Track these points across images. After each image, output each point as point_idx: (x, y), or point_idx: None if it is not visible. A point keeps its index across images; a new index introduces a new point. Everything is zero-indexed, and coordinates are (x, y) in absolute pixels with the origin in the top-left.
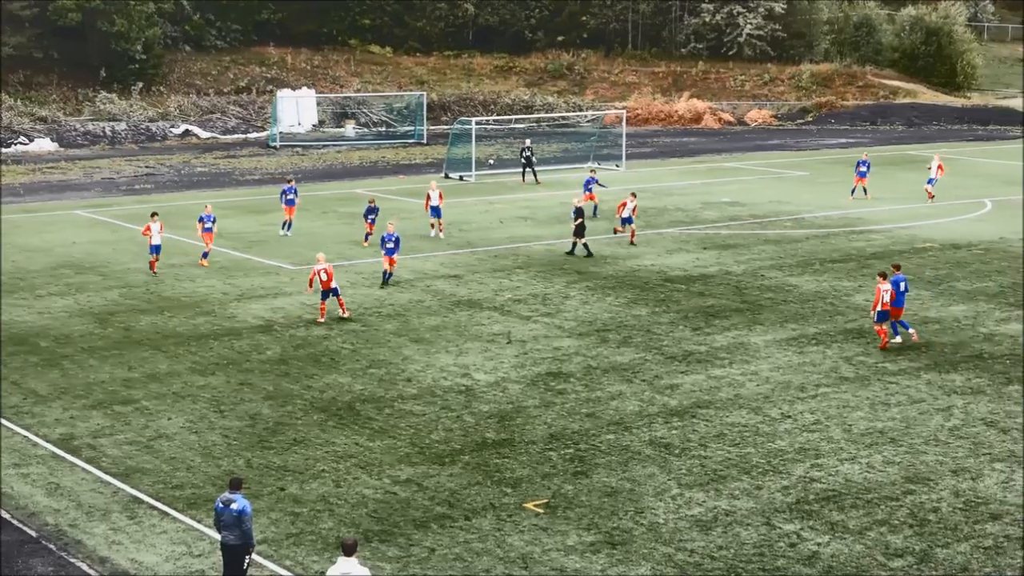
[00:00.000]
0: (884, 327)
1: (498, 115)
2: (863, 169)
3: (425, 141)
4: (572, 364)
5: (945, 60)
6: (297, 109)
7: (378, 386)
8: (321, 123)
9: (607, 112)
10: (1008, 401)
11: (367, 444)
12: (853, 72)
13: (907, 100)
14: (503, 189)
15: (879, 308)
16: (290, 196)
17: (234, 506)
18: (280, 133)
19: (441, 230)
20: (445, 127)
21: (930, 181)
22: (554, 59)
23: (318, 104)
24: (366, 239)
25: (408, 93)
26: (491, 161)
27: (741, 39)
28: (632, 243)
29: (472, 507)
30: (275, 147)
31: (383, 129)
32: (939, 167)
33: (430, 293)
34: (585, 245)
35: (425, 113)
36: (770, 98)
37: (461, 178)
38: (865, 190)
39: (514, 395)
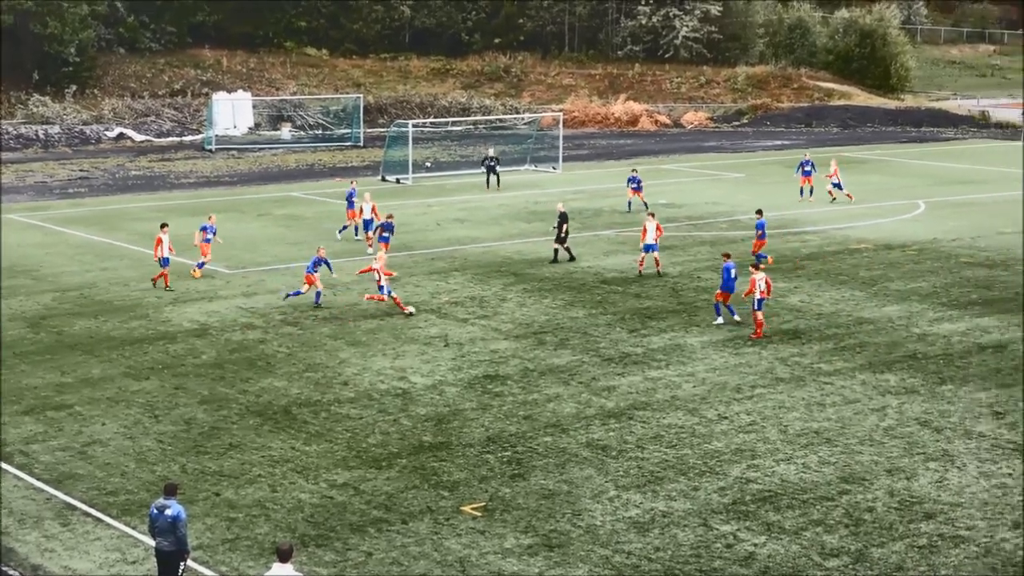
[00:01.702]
0: (760, 316)
1: (435, 118)
2: (807, 168)
3: (362, 144)
4: (509, 366)
5: (879, 62)
6: (233, 112)
7: (314, 390)
8: (257, 126)
9: (544, 114)
10: (941, 401)
11: (303, 448)
12: (788, 74)
13: (841, 102)
14: (440, 191)
15: (758, 297)
16: (353, 199)
17: (169, 512)
18: (216, 136)
19: (370, 244)
20: (382, 130)
21: (837, 185)
22: (491, 62)
23: (254, 107)
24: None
25: (344, 96)
26: (428, 164)
27: (677, 41)
28: (657, 272)
29: (409, 511)
30: (211, 150)
31: (319, 132)
32: (835, 171)
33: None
34: (568, 249)
35: (362, 116)
36: (706, 100)
37: (398, 181)
38: (812, 190)
39: (451, 398)
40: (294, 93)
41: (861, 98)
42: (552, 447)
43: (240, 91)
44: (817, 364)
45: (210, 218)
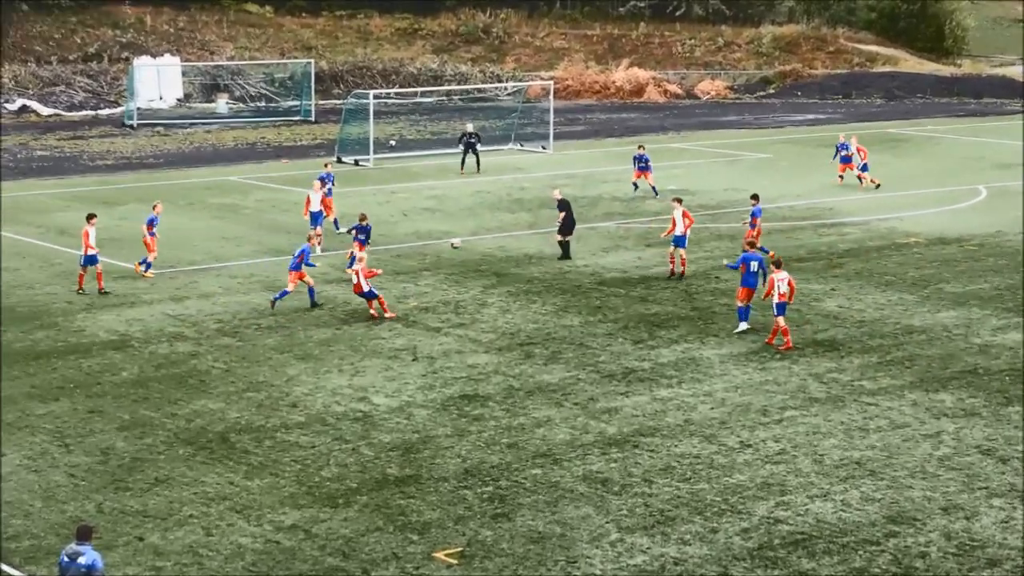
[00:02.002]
0: (782, 321)
1: (400, 87)
2: (844, 154)
3: (313, 118)
4: (490, 385)
5: (931, 21)
6: (158, 80)
7: (257, 413)
8: (187, 97)
9: (531, 84)
10: (1007, 425)
11: (244, 483)
12: (823, 35)
13: (886, 68)
14: (407, 176)
15: (777, 301)
16: (328, 185)
17: (82, 560)
18: (138, 109)
19: (320, 242)
20: (337, 102)
21: (864, 167)
22: (467, 20)
23: (184, 74)
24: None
25: (292, 61)
26: (392, 142)
27: None
28: (681, 274)
29: (371, 558)
30: (132, 126)
31: (262, 104)
32: (859, 148)
33: (319, 300)
34: (567, 244)
35: (313, 85)
36: (725, 66)
37: (356, 162)
38: (859, 178)
39: (421, 422)
40: (232, 58)
41: (909, 64)
42: (542, 481)
43: (167, 56)
44: (858, 381)
45: (155, 207)
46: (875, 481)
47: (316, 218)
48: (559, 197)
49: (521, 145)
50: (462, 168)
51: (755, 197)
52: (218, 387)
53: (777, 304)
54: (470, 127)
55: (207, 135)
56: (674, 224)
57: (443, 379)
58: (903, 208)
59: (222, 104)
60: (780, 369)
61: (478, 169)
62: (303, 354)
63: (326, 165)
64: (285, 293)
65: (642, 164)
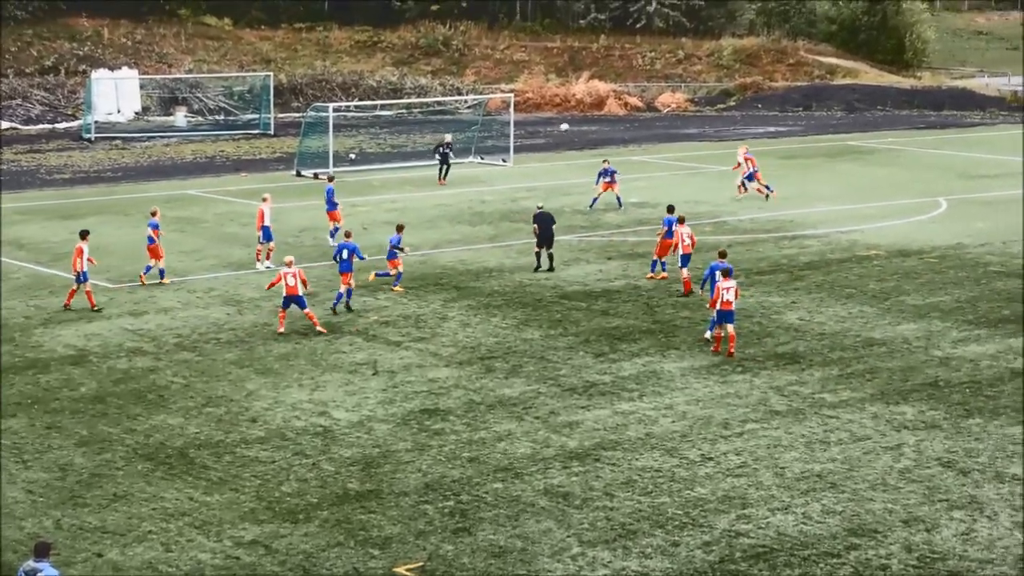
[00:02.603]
0: (719, 329)
1: (360, 100)
2: (607, 177)
3: (272, 132)
4: (451, 399)
5: (891, 33)
6: (116, 94)
7: (216, 428)
8: (146, 110)
9: (491, 96)
10: (968, 437)
11: (203, 499)
12: (783, 48)
13: (847, 81)
14: (366, 189)
15: (718, 307)
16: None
17: None
18: (96, 123)
19: (268, 256)
20: (296, 115)
21: (750, 177)
22: (427, 32)
23: (142, 87)
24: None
25: (251, 74)
26: (352, 155)
27: (651, 9)
28: (686, 294)
29: (332, 573)
30: (90, 139)
31: (221, 118)
32: (747, 158)
33: (278, 314)
34: (550, 256)
35: (272, 98)
36: (685, 79)
37: (316, 176)
38: (741, 187)
39: (381, 437)
40: (190, 71)
41: (870, 76)
42: (503, 495)
43: (125, 68)
44: (819, 394)
45: (154, 213)
46: (836, 494)
47: (266, 234)
48: (540, 208)
49: (482, 158)
50: (439, 178)
51: (670, 208)
52: (177, 402)
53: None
54: (448, 137)
55: (165, 148)
56: (678, 240)
57: (403, 393)
58: (864, 220)
59: (180, 117)
60: (741, 382)
61: (444, 177)
62: (263, 369)
63: (330, 179)
64: (341, 296)
65: (608, 177)
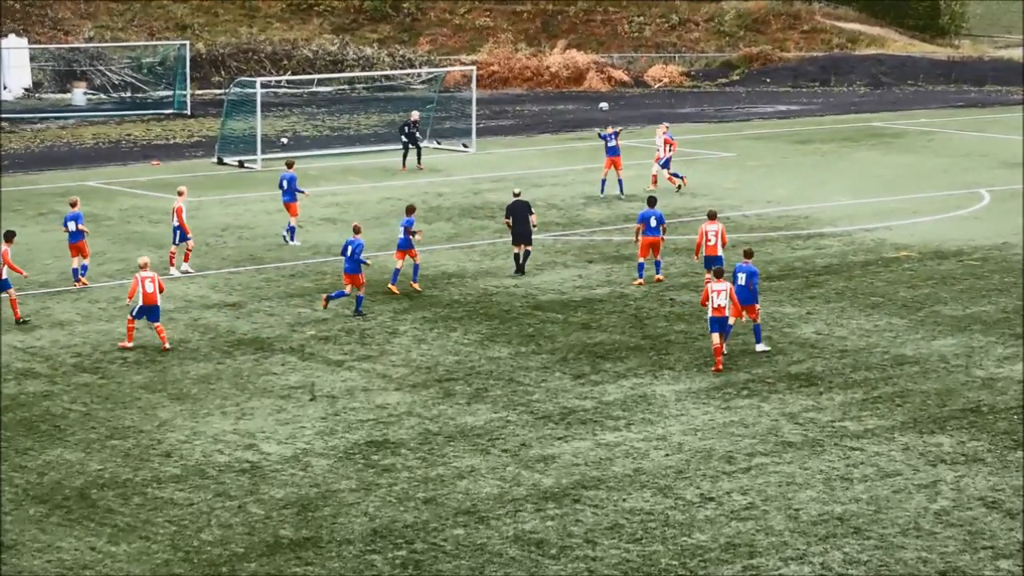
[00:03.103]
0: (716, 340)
1: (293, 74)
2: (613, 144)
3: (188, 111)
4: (403, 429)
5: None
6: (1, 66)
7: (123, 464)
8: (37, 86)
9: (449, 70)
10: (1015, 472)
11: (108, 549)
12: (796, 12)
13: (871, 51)
14: (302, 180)
15: (711, 314)
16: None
17: None
18: None
19: (187, 258)
20: (217, 91)
21: (665, 164)
22: None
23: (33, 59)
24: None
25: (164, 43)
26: (284, 140)
27: None
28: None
29: None
30: None
31: (128, 95)
32: (667, 142)
33: (196, 329)
34: (525, 254)
35: (188, 72)
36: (680, 48)
37: (241, 164)
38: (655, 177)
39: (320, 474)
40: (90, 39)
41: (899, 45)
42: (465, 543)
43: (12, 36)
44: (840, 422)
45: (75, 204)
46: (860, 540)
47: (178, 235)
48: (517, 195)
49: (438, 143)
50: (419, 162)
51: (652, 201)
52: (76, 434)
53: (711, 319)
54: (415, 115)
55: (61, 132)
56: (702, 240)
57: (346, 422)
58: (892, 216)
59: (79, 95)
60: (748, 408)
61: (419, 163)
62: (178, 393)
63: (289, 165)
64: (361, 299)
65: (613, 142)
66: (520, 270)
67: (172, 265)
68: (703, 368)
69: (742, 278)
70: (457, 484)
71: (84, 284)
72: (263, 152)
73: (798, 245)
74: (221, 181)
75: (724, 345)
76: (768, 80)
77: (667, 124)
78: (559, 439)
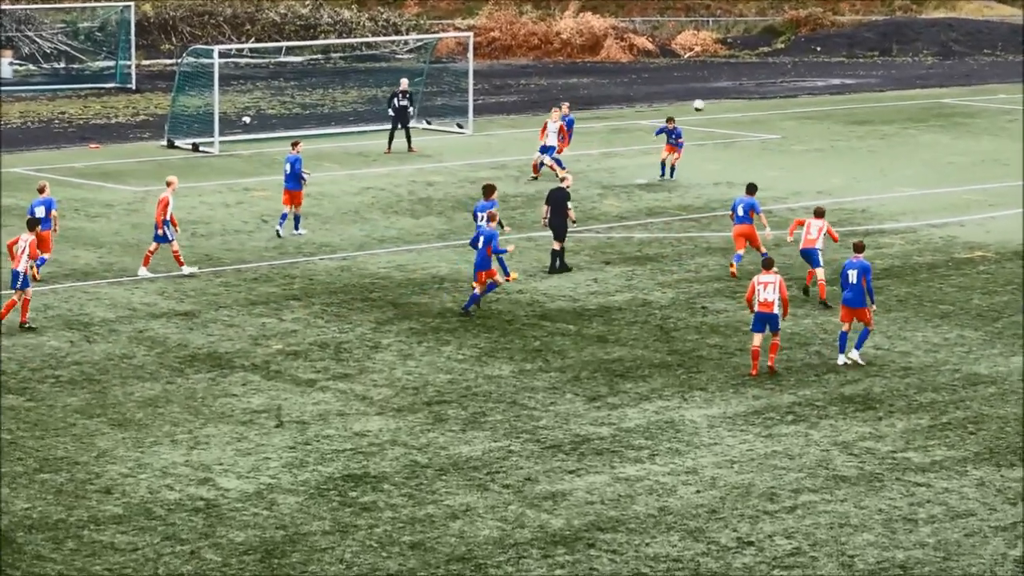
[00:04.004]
0: (757, 341)
1: (257, 41)
2: (676, 139)
3: (133, 86)
4: (386, 460)
5: None
6: None
7: (55, 502)
8: None
9: (441, 36)
10: None
11: None
12: None
13: (940, 14)
14: (267, 166)
15: (755, 310)
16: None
17: None
18: None
19: (146, 261)
20: (168, 62)
21: (549, 151)
22: None
23: None
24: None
25: (104, 4)
26: (246, 119)
27: None
28: (822, 302)
29: None
30: None
31: (62, 66)
32: (562, 130)
33: (142, 343)
34: (559, 252)
35: (133, 39)
36: (714, 11)
37: (195, 147)
38: (673, 169)
39: (288, 514)
40: (17, 0)
41: (973, 7)
42: None
43: None
44: (903, 453)
45: (43, 189)
46: None
47: (160, 237)
48: (565, 181)
49: (428, 122)
50: (389, 146)
51: (751, 188)
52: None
53: (756, 315)
54: (404, 83)
55: None
56: (806, 231)
57: (319, 453)
58: (965, 210)
59: (4, 65)
60: (793, 436)
61: (409, 145)
62: (120, 419)
63: (294, 145)
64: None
65: (673, 138)
66: (560, 266)
67: (181, 264)
68: (740, 389)
69: (853, 276)
70: (450, 526)
71: (37, 279)
72: (221, 133)
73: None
74: (172, 168)
75: (777, 347)
76: (818, 49)
77: (568, 105)
78: (570, 473)
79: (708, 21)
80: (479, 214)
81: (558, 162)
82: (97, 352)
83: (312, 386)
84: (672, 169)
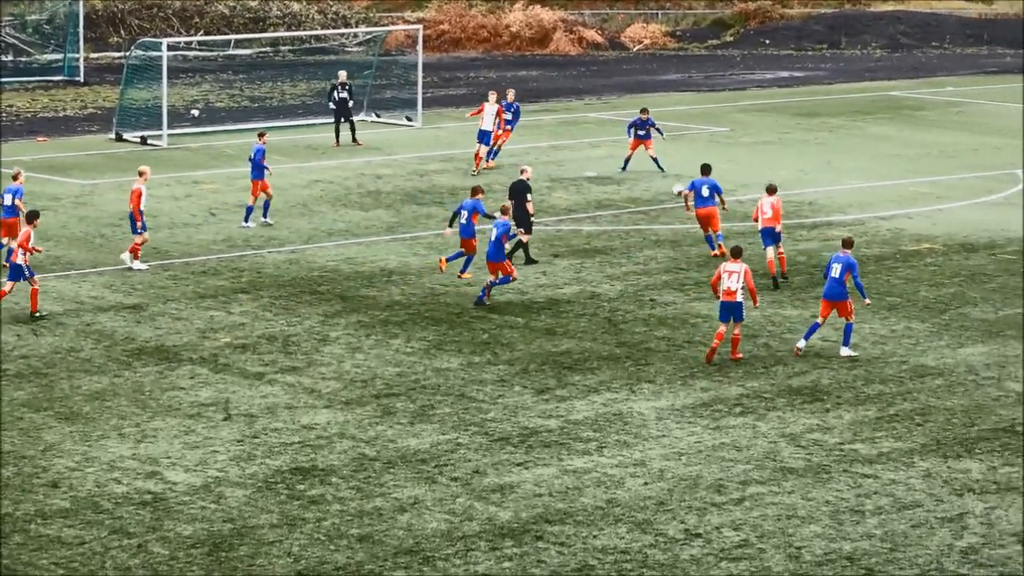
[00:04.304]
0: (723, 329)
1: (206, 34)
2: (641, 132)
3: (82, 79)
4: (334, 453)
5: None
6: None
7: (1, 496)
8: None
9: (391, 29)
10: None
11: None
12: None
13: (890, 7)
14: (216, 160)
15: (720, 298)
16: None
17: None
18: None
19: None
20: (116, 55)
21: (484, 136)
22: None
23: None
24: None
25: None
26: (195, 112)
27: None
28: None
29: None
30: None
31: (8, 58)
32: (499, 112)
33: (89, 336)
34: (516, 245)
35: (82, 31)
36: (663, 4)
37: (144, 140)
38: (657, 160)
39: (236, 507)
40: None
41: (920, 1)
42: None
43: None
44: (851, 444)
45: (16, 176)
46: None
47: (136, 225)
48: (524, 175)
49: (377, 115)
50: (336, 140)
51: (706, 169)
52: None
53: (722, 304)
54: (342, 75)
55: None
56: (758, 213)
57: (267, 446)
58: (913, 202)
59: None
60: (741, 428)
61: (354, 138)
62: (67, 412)
63: (260, 136)
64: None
65: (642, 132)
66: (528, 258)
67: (136, 258)
68: (688, 381)
69: (836, 270)
70: (398, 519)
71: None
72: (170, 126)
73: (801, 236)
74: (120, 161)
75: (738, 340)
76: (767, 42)
77: (512, 92)
78: (518, 465)
79: (657, 14)
80: (463, 211)
81: (491, 154)
82: (44, 346)
83: (260, 379)
84: (655, 160)
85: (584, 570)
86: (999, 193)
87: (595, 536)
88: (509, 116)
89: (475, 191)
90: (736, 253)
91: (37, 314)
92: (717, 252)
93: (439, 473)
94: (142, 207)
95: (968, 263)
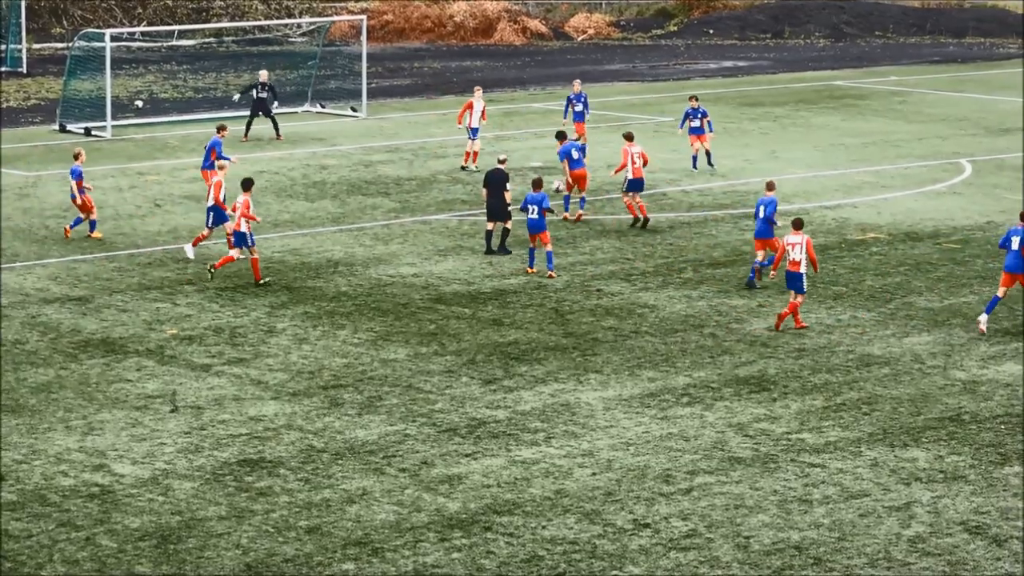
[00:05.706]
0: (793, 298)
1: (150, 24)
2: (579, 108)
3: (24, 69)
4: (282, 445)
5: None
6: None
7: None
8: None
9: (335, 19)
10: (1003, 492)
11: None
12: None
13: None
14: (160, 150)
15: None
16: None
17: None
18: None
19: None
20: (59, 45)
21: (475, 133)
22: None
23: None
24: None
25: None
26: (138, 102)
27: None
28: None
29: None
30: None
31: None
32: (477, 106)
33: (35, 328)
34: (504, 232)
35: (24, 21)
36: None
37: (88, 132)
38: (708, 154)
39: (184, 500)
40: None
41: None
42: None
43: None
44: (797, 434)
45: (78, 156)
46: (822, 573)
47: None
48: (501, 165)
49: (322, 106)
50: (246, 134)
51: (560, 136)
52: None
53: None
54: (263, 75)
55: None
56: (624, 162)
57: (214, 438)
58: (857, 192)
59: None
60: (689, 418)
61: (277, 135)
62: (13, 404)
63: (221, 129)
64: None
65: (695, 123)
66: (489, 250)
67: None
68: (635, 371)
69: (1016, 242)
70: (346, 510)
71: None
72: (114, 118)
73: (747, 226)
74: (64, 152)
75: (797, 307)
76: (711, 31)
77: (579, 82)
78: (467, 456)
79: (601, 4)
80: (530, 207)
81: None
82: None
83: (207, 371)
84: (708, 156)
85: (533, 561)
86: (944, 182)
87: (544, 527)
88: (580, 107)
89: (536, 184)
90: (797, 225)
91: (261, 282)
92: (571, 216)
93: (387, 464)
94: (222, 196)
95: (913, 252)
